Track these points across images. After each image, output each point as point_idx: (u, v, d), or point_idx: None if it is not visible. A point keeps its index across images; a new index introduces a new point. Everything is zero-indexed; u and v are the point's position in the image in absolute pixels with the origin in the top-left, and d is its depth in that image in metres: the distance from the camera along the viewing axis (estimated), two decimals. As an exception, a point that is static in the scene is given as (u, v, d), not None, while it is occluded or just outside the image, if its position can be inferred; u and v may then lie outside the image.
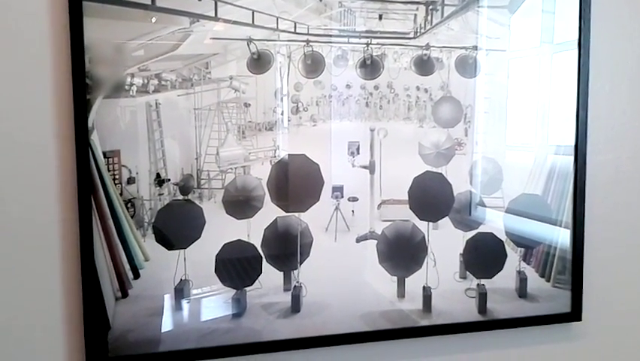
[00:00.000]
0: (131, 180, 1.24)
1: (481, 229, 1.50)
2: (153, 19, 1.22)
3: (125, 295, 1.25)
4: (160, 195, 1.26)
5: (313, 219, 1.37)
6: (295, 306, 1.36)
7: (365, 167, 1.40)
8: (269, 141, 1.33)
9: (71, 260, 1.22)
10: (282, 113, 1.34)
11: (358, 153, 1.39)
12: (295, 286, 1.36)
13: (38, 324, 1.23)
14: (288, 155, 1.34)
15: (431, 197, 1.45)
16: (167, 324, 1.28)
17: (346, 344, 1.39)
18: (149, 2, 1.21)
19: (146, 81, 1.23)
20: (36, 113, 1.19)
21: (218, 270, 1.30)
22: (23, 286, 1.21)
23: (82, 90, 1.18)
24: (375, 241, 1.41)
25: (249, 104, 1.31)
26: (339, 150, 1.38)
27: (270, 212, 1.34)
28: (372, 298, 1.42)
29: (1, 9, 1.16)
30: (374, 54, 1.38)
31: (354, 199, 1.40)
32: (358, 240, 1.40)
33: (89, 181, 1.20)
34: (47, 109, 1.19)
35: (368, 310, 1.41)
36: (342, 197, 1.38)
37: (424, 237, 1.45)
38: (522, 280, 1.53)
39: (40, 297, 1.22)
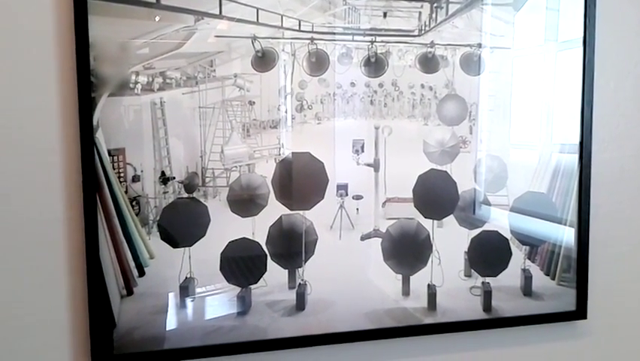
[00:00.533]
0: (136, 178, 1.24)
1: (486, 227, 1.49)
2: (157, 18, 1.22)
3: (130, 292, 1.25)
4: (165, 193, 1.26)
5: (318, 217, 1.37)
6: (300, 304, 1.36)
7: (370, 165, 1.40)
8: (273, 139, 1.33)
9: (77, 258, 1.22)
10: (286, 111, 1.34)
11: (363, 151, 1.39)
12: (300, 284, 1.36)
13: (44, 322, 1.23)
14: (293, 153, 1.34)
15: (436, 195, 1.45)
16: (172, 322, 1.28)
17: (351, 341, 1.39)
18: (154, 0, 1.21)
19: (150, 79, 1.23)
20: (41, 111, 1.19)
21: (223, 268, 1.30)
22: (29, 284, 1.21)
23: (87, 88, 1.18)
24: (380, 239, 1.41)
25: (254, 102, 1.31)
26: (343, 148, 1.38)
27: (274, 210, 1.34)
28: (377, 296, 1.42)
29: (5, 7, 1.16)
30: (378, 52, 1.38)
31: (358, 197, 1.40)
32: (363, 238, 1.40)
33: (94, 179, 1.20)
34: (52, 107, 1.19)
35: (373, 308, 1.41)
36: (347, 195, 1.38)
37: (428, 235, 1.44)
38: (527, 278, 1.53)
39: (45, 295, 1.22)
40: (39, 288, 1.22)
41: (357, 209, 1.40)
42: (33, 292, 1.22)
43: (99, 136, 1.20)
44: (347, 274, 1.40)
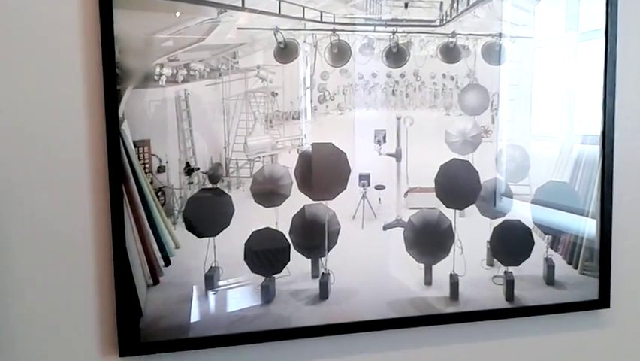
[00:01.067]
0: (161, 169, 1.26)
1: (508, 216, 1.49)
2: (177, 14, 1.23)
3: (156, 282, 1.27)
4: (189, 183, 1.28)
5: (340, 207, 1.37)
6: (323, 293, 1.37)
7: (391, 155, 1.41)
8: (296, 130, 1.34)
9: (104, 248, 1.24)
10: (308, 102, 1.34)
11: (385, 142, 1.39)
12: (323, 273, 1.37)
13: (73, 311, 1.25)
14: (315, 144, 1.35)
15: (458, 185, 1.45)
16: (197, 311, 1.30)
17: (374, 330, 1.40)
18: (178, -7, 1.23)
19: (175, 71, 1.24)
20: (68, 104, 1.21)
21: (247, 257, 1.32)
22: (58, 275, 1.24)
23: (112, 81, 1.20)
24: (402, 229, 1.42)
25: (276, 94, 1.32)
26: (365, 139, 1.38)
27: (297, 200, 1.35)
28: (400, 285, 1.42)
29: (33, 3, 1.18)
30: (400, 42, 1.38)
31: (380, 187, 1.40)
32: (385, 227, 1.41)
33: (120, 171, 1.22)
34: (79, 100, 1.21)
35: (395, 298, 1.42)
36: (369, 185, 1.39)
37: (450, 224, 1.45)
38: (549, 267, 1.53)
39: (74, 285, 1.25)
40: (67, 279, 1.24)
41: (380, 199, 1.40)
42: (62, 283, 1.24)
43: (124, 128, 1.22)
44: (370, 264, 1.40)
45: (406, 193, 1.42)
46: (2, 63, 1.17)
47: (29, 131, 1.20)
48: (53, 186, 1.22)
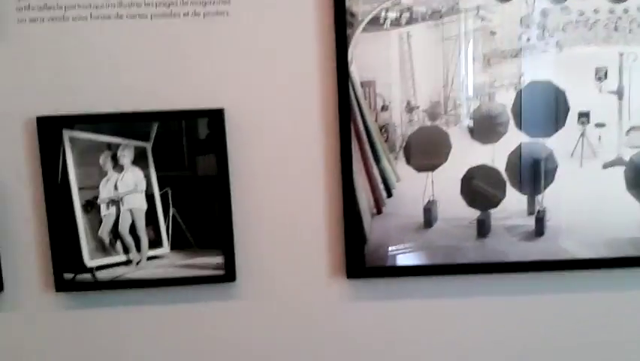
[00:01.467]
0: (384, 108, 1.35)
1: None
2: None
3: (379, 212, 1.38)
4: (410, 121, 1.36)
5: (558, 145, 1.37)
6: (539, 230, 1.39)
7: (613, 92, 1.37)
8: (513, 68, 1.35)
9: (334, 181, 1.37)
10: (527, 40, 1.35)
11: (606, 78, 1.36)
12: (539, 210, 1.39)
13: (305, 238, 1.40)
14: (533, 81, 1.35)
15: (687, 123, 1.37)
16: (415, 240, 1.39)
17: (590, 269, 1.40)
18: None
19: (398, 14, 1.32)
20: (302, 49, 1.33)
21: (463, 192, 1.37)
22: (293, 205, 1.39)
23: (342, 26, 1.30)
24: (624, 168, 1.38)
25: (495, 33, 1.34)
26: (585, 76, 1.36)
27: (514, 138, 1.37)
28: (619, 225, 1.39)
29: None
30: (624, -25, 1.33)
31: (600, 125, 1.37)
32: (605, 166, 1.38)
33: (348, 109, 1.33)
34: (312, 45, 1.33)
35: (613, 237, 1.39)
36: (589, 123, 1.37)
37: (677, 165, 1.38)
38: None
39: (306, 214, 1.39)
40: (301, 208, 1.39)
41: (600, 137, 1.37)
42: (296, 212, 1.39)
43: (353, 70, 1.32)
44: (587, 202, 1.39)
45: (628, 131, 1.38)
46: (248, 22, 1.32)
47: (272, 75, 1.35)
48: (290, 123, 1.36)
